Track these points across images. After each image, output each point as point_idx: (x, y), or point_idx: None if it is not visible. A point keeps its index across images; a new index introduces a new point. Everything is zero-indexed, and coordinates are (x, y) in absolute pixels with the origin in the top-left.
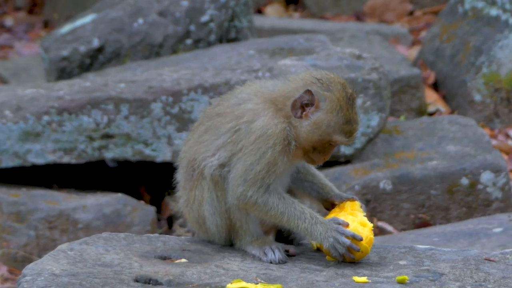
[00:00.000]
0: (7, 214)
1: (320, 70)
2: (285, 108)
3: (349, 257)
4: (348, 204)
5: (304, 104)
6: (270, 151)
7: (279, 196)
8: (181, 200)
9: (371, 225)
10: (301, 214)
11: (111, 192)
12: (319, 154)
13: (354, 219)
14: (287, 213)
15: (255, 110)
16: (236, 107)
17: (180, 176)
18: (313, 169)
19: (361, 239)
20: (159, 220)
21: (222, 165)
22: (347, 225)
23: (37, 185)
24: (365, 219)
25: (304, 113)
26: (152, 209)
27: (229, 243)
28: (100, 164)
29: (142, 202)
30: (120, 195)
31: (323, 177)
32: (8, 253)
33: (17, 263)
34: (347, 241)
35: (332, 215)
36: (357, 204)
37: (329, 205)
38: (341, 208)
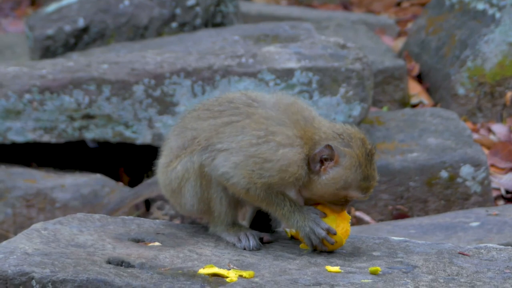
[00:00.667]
0: None
1: (342, 124)
2: (307, 148)
3: (322, 248)
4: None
5: (323, 158)
6: (277, 179)
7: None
8: (162, 160)
9: (349, 217)
10: (280, 201)
11: (90, 172)
12: (334, 205)
13: (333, 209)
14: (267, 199)
15: (292, 139)
16: (273, 124)
17: (173, 137)
18: None
19: (335, 233)
20: None
21: (219, 150)
22: (324, 216)
23: (16, 163)
24: (345, 212)
25: (323, 167)
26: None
27: (197, 217)
28: (80, 144)
29: (120, 183)
30: (98, 175)
31: None
32: None
33: None
34: (322, 233)
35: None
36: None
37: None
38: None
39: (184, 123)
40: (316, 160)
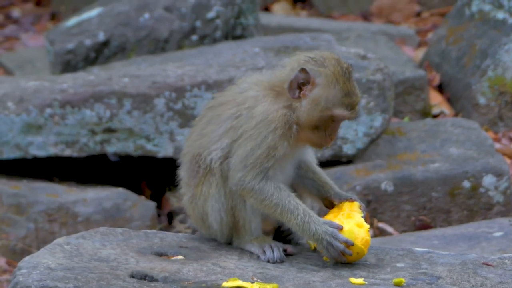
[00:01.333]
0: (7, 206)
1: (313, 50)
2: (284, 92)
3: (341, 260)
4: (346, 205)
5: (300, 83)
6: (270, 136)
7: (275, 185)
8: (185, 197)
9: (368, 226)
10: (294, 209)
11: (111, 186)
12: (324, 134)
13: (350, 221)
14: (281, 205)
15: (256, 96)
16: (238, 95)
17: (183, 173)
18: (314, 166)
19: (352, 244)
20: (159, 215)
21: (226, 156)
22: (341, 228)
23: (38, 178)
24: (362, 220)
25: (301, 92)
26: (152, 204)
27: (230, 241)
28: (102, 158)
29: (142, 197)
30: (120, 189)
31: (324, 174)
32: (7, 245)
33: (16, 255)
34: (341, 246)
35: (330, 215)
36: (356, 204)
37: (329, 203)
38: (339, 208)
39: (183, 149)
40: (294, 86)
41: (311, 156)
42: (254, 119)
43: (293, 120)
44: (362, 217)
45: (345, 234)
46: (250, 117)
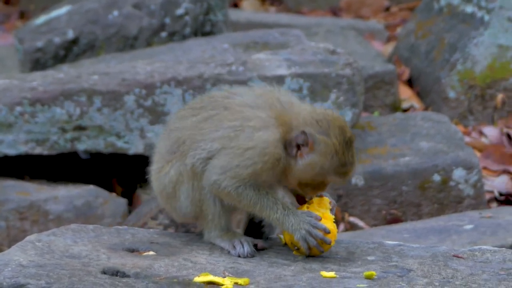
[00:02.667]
0: None
1: (324, 110)
2: (285, 135)
3: (318, 250)
4: (316, 201)
5: (299, 144)
6: (261, 164)
7: (254, 188)
8: (154, 166)
9: (333, 217)
10: (273, 205)
11: (82, 184)
12: (312, 189)
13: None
14: (259, 203)
15: (266, 121)
16: (248, 109)
17: (162, 143)
18: None
19: (329, 232)
20: (130, 212)
21: (208, 158)
22: (320, 219)
23: (8, 176)
24: (328, 211)
25: (299, 152)
26: (123, 201)
27: (192, 221)
28: (72, 155)
29: (113, 194)
30: (91, 187)
31: None
32: None
33: None
34: (320, 234)
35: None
36: (326, 200)
37: (301, 199)
38: (308, 204)
39: (169, 125)
40: (293, 145)
41: None
42: (253, 141)
43: (284, 163)
44: (330, 211)
45: None
46: (249, 137)
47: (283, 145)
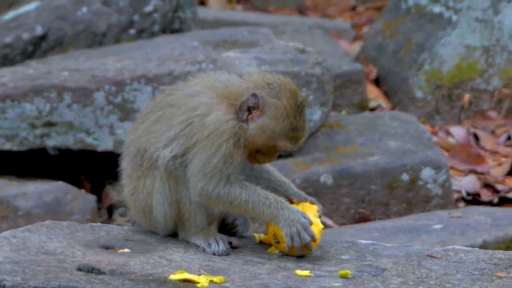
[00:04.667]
0: None
1: (275, 74)
2: (235, 106)
3: (299, 252)
4: (306, 206)
5: (250, 107)
6: (224, 145)
7: (240, 185)
8: (126, 189)
9: (322, 227)
10: (265, 200)
11: (51, 180)
12: (263, 156)
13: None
14: (251, 200)
15: (209, 104)
16: (190, 99)
17: (125, 164)
18: (267, 165)
19: (315, 241)
20: (99, 209)
21: (175, 157)
22: (311, 224)
23: None
24: (318, 220)
25: (250, 115)
26: (92, 198)
27: (171, 233)
28: (41, 151)
29: (82, 190)
30: (60, 183)
31: (278, 173)
32: None
33: None
34: (307, 239)
35: None
36: (314, 208)
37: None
38: (299, 207)
39: (125, 143)
40: (243, 108)
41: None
42: (206, 128)
43: (241, 133)
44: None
45: None
46: (202, 126)
47: (234, 115)
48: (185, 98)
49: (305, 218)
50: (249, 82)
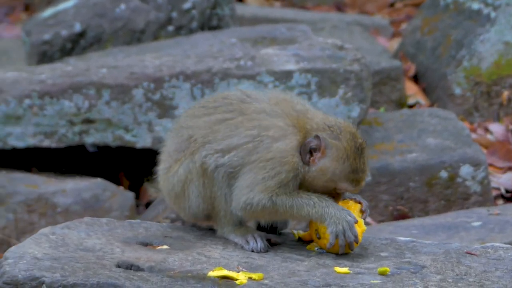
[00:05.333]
0: None
1: (335, 117)
2: (302, 141)
3: (341, 251)
4: (351, 204)
5: (312, 149)
6: (284, 173)
7: (284, 193)
8: (162, 165)
9: (365, 228)
10: (309, 201)
11: (90, 177)
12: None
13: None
14: (295, 205)
15: (284, 130)
16: (265, 117)
17: (171, 141)
18: None
19: (358, 242)
20: (137, 206)
21: (229, 166)
22: (357, 222)
23: (16, 168)
24: (362, 221)
25: (312, 158)
26: (131, 194)
27: (202, 221)
28: (80, 148)
29: (121, 187)
30: (99, 180)
31: None
32: None
33: None
34: (352, 238)
35: None
36: (358, 207)
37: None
38: (344, 204)
39: (179, 122)
40: (306, 150)
41: None
42: (271, 152)
43: (301, 171)
44: (362, 218)
45: None
46: (268, 148)
47: (299, 152)
48: (261, 113)
49: (350, 216)
50: (312, 124)
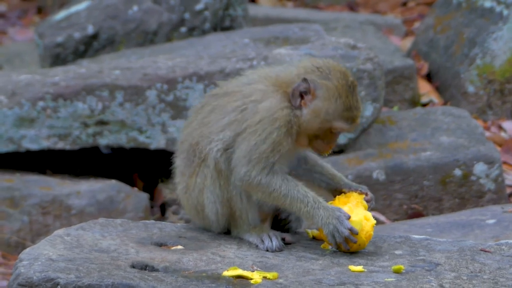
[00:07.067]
0: (1, 199)
1: (323, 59)
2: (289, 93)
3: (345, 247)
4: (354, 196)
5: (302, 92)
6: (276, 132)
7: (282, 177)
8: (180, 186)
9: (374, 222)
10: (304, 198)
11: (104, 178)
12: (323, 142)
13: (360, 212)
14: (290, 195)
15: (264, 91)
16: (245, 86)
17: (179, 161)
18: (321, 160)
19: (357, 233)
20: (152, 207)
21: (226, 148)
22: (349, 217)
23: (31, 171)
24: (370, 214)
25: (302, 101)
26: (145, 196)
27: (225, 231)
28: (94, 150)
29: (135, 189)
30: (113, 181)
31: (331, 168)
32: (1, 238)
33: (11, 248)
34: (346, 232)
35: (336, 201)
36: (361, 197)
37: (339, 194)
38: (347, 197)
39: (180, 137)
40: (295, 95)
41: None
42: (259, 114)
43: (294, 121)
44: (368, 209)
45: (353, 224)
46: (255, 111)
47: (288, 103)
48: (240, 86)
49: (340, 212)
50: (299, 69)
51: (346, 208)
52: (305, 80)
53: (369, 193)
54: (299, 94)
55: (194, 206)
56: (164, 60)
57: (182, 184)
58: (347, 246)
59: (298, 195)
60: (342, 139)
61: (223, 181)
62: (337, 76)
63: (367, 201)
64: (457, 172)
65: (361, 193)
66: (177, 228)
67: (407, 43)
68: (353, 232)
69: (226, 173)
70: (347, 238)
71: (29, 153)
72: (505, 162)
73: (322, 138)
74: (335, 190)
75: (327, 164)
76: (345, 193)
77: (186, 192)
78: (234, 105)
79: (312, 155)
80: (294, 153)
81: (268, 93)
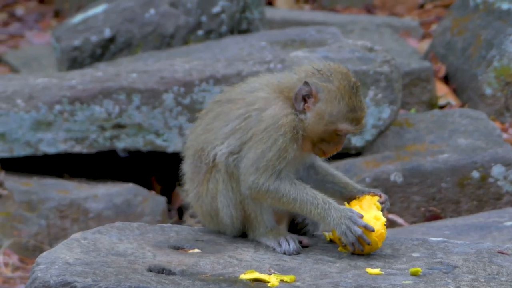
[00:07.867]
0: (19, 203)
1: (325, 61)
2: (292, 98)
3: (358, 247)
4: (366, 198)
5: (305, 96)
6: (281, 139)
7: (290, 182)
8: (191, 194)
9: (384, 220)
10: (313, 200)
11: (122, 182)
12: (329, 145)
13: (368, 212)
14: (299, 199)
15: (266, 98)
16: (248, 94)
17: (186, 167)
18: (330, 169)
19: (373, 230)
20: (169, 210)
21: (232, 153)
22: (361, 216)
23: (48, 174)
24: (380, 213)
25: (306, 105)
26: (162, 199)
27: (241, 234)
28: (111, 154)
29: (152, 192)
30: (131, 185)
31: (342, 175)
32: (19, 242)
33: (28, 252)
34: (359, 231)
35: (347, 206)
36: (374, 198)
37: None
38: (359, 201)
39: (185, 144)
40: (298, 99)
41: (320, 158)
42: (264, 122)
43: (299, 126)
44: (381, 210)
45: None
46: (259, 119)
47: (292, 108)
48: (243, 94)
49: (351, 212)
50: (300, 73)
51: (357, 208)
52: (306, 83)
53: (382, 194)
54: (302, 98)
55: (208, 212)
56: (181, 63)
57: (193, 192)
58: (360, 247)
59: (307, 197)
60: (359, 142)
61: (235, 184)
62: (338, 78)
63: (381, 203)
64: (475, 174)
65: (374, 195)
66: (194, 232)
67: (424, 45)
68: (368, 229)
69: (237, 175)
70: (360, 238)
71: (46, 156)
72: None
73: (328, 141)
74: (349, 198)
75: (338, 172)
76: (358, 198)
77: (198, 199)
78: (237, 113)
79: (321, 164)
80: (301, 159)
81: (270, 100)
